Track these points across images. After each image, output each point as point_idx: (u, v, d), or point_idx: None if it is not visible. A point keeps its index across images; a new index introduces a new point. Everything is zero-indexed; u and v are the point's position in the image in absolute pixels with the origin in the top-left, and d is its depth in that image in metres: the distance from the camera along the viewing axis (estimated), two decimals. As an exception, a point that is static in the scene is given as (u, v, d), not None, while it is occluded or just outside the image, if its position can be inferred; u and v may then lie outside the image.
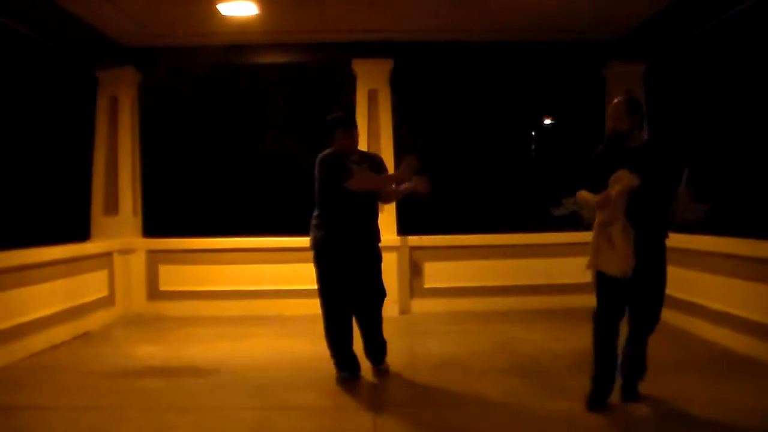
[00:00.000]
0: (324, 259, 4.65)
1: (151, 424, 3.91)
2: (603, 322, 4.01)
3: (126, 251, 7.47)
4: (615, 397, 4.06)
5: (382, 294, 4.81)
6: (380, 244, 4.86)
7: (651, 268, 3.94)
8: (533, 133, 19.01)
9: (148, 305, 7.47)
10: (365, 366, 4.85)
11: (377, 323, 4.81)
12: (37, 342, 5.61)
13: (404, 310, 7.31)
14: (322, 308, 4.71)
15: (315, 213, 4.73)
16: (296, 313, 6.99)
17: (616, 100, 4.06)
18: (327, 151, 4.72)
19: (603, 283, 3.98)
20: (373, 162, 4.91)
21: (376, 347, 4.85)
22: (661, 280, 4.02)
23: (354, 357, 4.77)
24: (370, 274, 4.74)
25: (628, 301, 4.00)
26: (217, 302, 7.36)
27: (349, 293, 4.68)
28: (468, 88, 15.12)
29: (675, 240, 7.10)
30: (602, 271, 3.97)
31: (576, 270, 7.54)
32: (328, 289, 4.67)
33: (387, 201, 5.08)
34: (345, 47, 7.50)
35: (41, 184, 13.26)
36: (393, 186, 4.88)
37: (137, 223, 7.85)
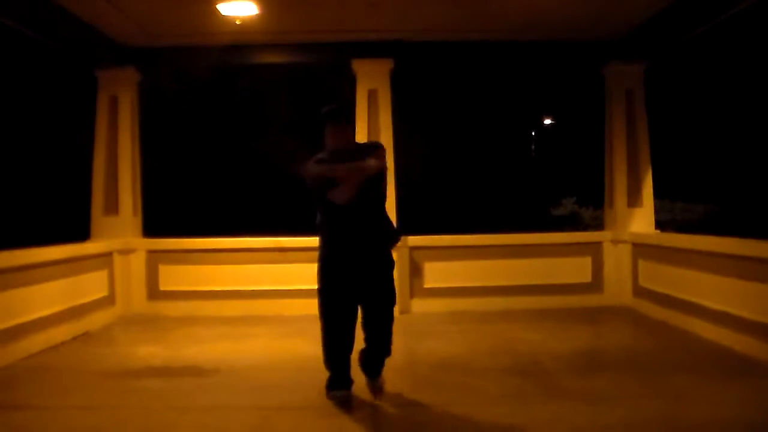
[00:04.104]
0: (324, 273, 4.28)
1: (151, 424, 3.91)
2: None
3: (126, 251, 7.47)
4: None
5: (391, 300, 4.39)
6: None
7: None
8: (533, 133, 19.05)
9: (148, 305, 7.46)
10: (360, 379, 4.49)
11: (384, 329, 4.38)
12: (37, 342, 5.60)
13: (404, 310, 7.30)
14: (320, 320, 4.32)
15: (316, 222, 4.38)
16: (296, 313, 6.98)
17: None
18: (316, 155, 4.29)
19: None
20: (365, 153, 4.24)
21: (376, 356, 4.42)
22: None
23: (348, 375, 4.36)
24: (377, 280, 4.30)
25: None
26: (217, 302, 7.36)
27: (352, 306, 4.28)
28: (468, 88, 15.16)
29: (675, 240, 7.16)
30: None
31: (576, 270, 7.68)
32: (327, 305, 4.28)
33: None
34: (345, 47, 7.50)
35: (41, 184, 13.28)
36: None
37: (137, 223, 7.84)
